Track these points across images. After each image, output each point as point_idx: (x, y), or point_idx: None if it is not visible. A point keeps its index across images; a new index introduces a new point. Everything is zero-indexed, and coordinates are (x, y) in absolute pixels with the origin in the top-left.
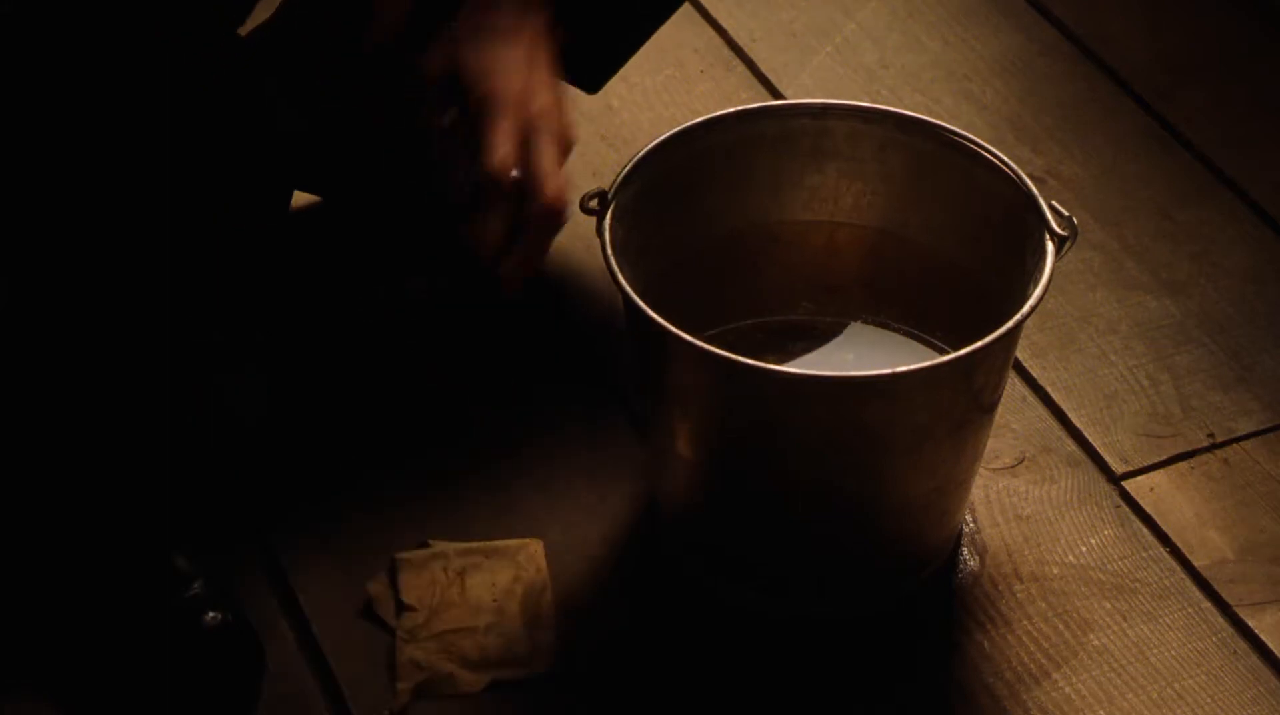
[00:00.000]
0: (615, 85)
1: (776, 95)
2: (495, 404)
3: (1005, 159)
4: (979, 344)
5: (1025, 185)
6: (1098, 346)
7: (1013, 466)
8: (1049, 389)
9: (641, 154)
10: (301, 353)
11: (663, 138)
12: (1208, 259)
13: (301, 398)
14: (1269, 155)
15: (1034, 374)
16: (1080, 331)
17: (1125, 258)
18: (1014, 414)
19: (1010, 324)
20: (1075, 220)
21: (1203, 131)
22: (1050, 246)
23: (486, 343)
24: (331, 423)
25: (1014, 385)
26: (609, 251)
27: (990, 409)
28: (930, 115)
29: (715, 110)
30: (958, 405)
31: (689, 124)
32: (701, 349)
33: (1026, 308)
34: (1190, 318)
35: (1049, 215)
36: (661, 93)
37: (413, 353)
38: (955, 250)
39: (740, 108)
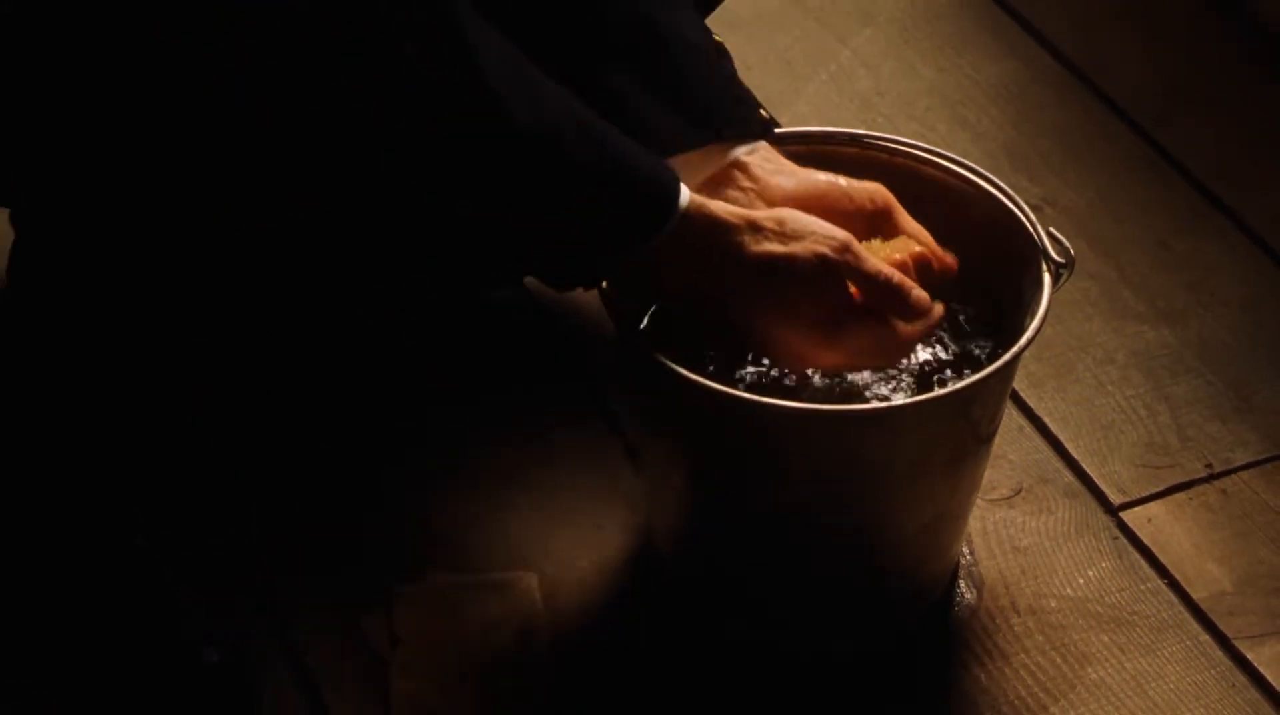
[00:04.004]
0: None
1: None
2: (490, 435)
3: (1003, 186)
4: (976, 377)
5: (1023, 213)
6: (1095, 376)
7: (1010, 497)
8: (1046, 419)
9: None
10: (295, 387)
11: None
12: (1205, 288)
13: (295, 431)
14: (1266, 183)
15: (1031, 404)
16: (1077, 361)
17: (1122, 287)
18: (1011, 444)
19: (1008, 356)
20: (1073, 250)
21: (1200, 159)
22: (1047, 277)
23: (481, 374)
24: (325, 456)
25: (1011, 415)
26: (604, 286)
27: (988, 440)
28: (926, 143)
29: None
30: (955, 437)
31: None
32: (697, 382)
33: (1024, 340)
34: (1188, 348)
35: (1047, 244)
36: None
37: (407, 385)
38: (952, 278)
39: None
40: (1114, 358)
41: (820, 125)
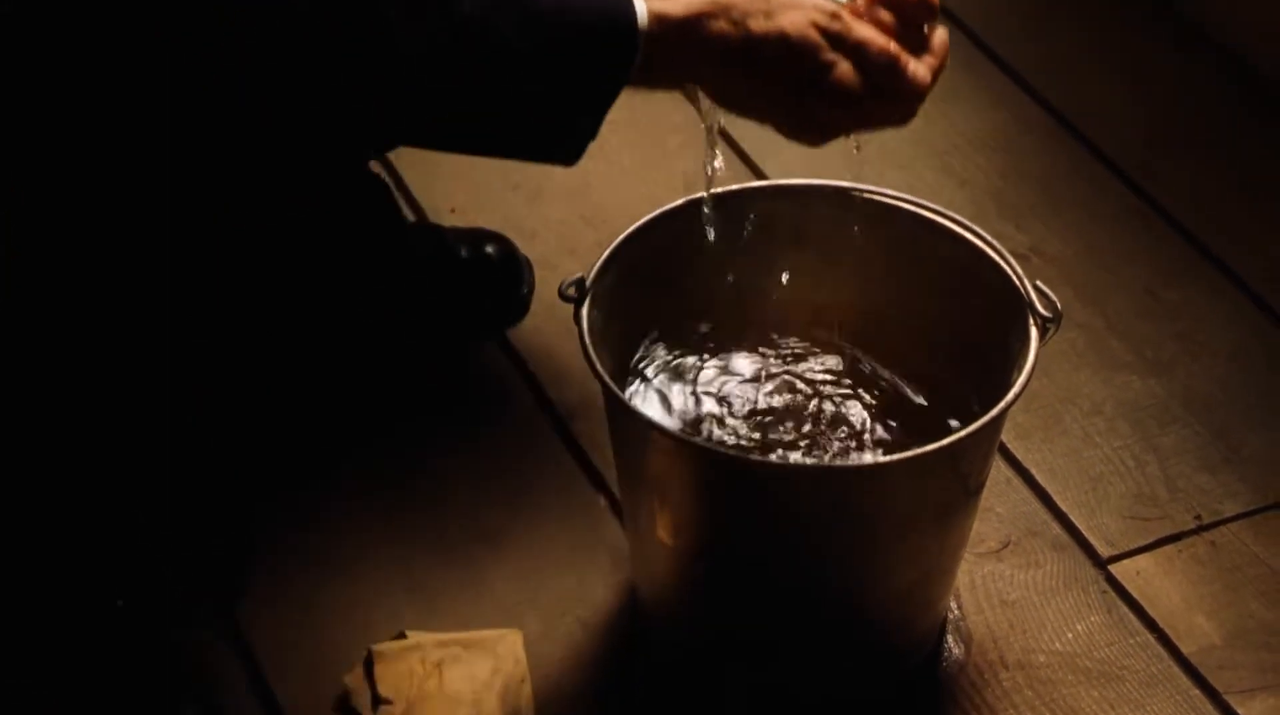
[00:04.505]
0: (593, 163)
1: (757, 172)
2: (473, 491)
3: (990, 239)
4: (963, 432)
5: (1010, 267)
6: (1082, 427)
7: (998, 551)
8: (1034, 471)
9: (620, 239)
10: (278, 440)
11: (641, 222)
12: (1193, 338)
13: (275, 488)
14: (1253, 231)
15: (1018, 456)
16: (1065, 412)
17: (1110, 337)
18: (999, 497)
19: (995, 411)
20: (1059, 303)
21: (1187, 207)
22: (1034, 331)
23: (465, 430)
24: (308, 512)
25: (998, 467)
26: (587, 340)
27: (976, 492)
28: (912, 193)
29: (695, 187)
30: (943, 492)
31: (667, 207)
32: (683, 440)
33: (1011, 395)
34: (1175, 398)
35: (1034, 298)
36: (640, 170)
37: (388, 440)
38: (939, 330)
39: (720, 190)
40: (1102, 408)
41: (806, 176)
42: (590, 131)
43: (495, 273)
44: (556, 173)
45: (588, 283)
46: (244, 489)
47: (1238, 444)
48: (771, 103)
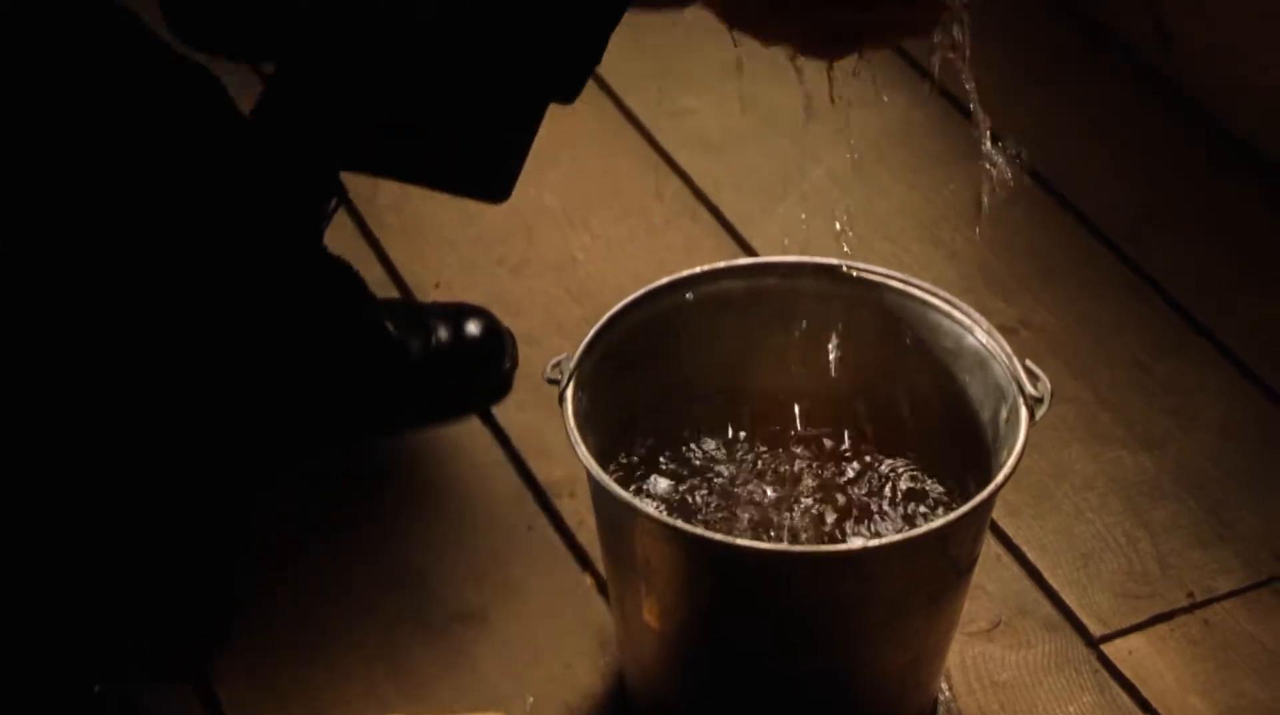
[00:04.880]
0: (578, 237)
1: (743, 244)
2: (455, 568)
3: (979, 317)
4: (953, 516)
5: (1000, 345)
6: (1073, 503)
7: (989, 630)
8: (1024, 548)
9: (604, 320)
10: (253, 519)
11: (625, 302)
12: (1184, 412)
13: (253, 565)
14: (1243, 303)
15: (1009, 533)
16: (1055, 488)
17: (1100, 411)
18: (989, 575)
19: (984, 494)
20: (1050, 384)
21: (1176, 278)
22: (1024, 411)
23: (447, 506)
24: (285, 590)
25: (989, 544)
26: (571, 424)
27: (967, 571)
28: (899, 264)
29: (681, 261)
30: (934, 575)
31: (652, 286)
32: (669, 525)
33: (1001, 477)
34: (1167, 473)
35: (1023, 378)
36: (626, 244)
37: (370, 516)
38: (928, 407)
39: (706, 268)
40: (1093, 484)
41: (792, 246)
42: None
43: (476, 353)
44: (542, 246)
45: (572, 366)
46: (223, 562)
47: (1230, 520)
48: (781, 7)
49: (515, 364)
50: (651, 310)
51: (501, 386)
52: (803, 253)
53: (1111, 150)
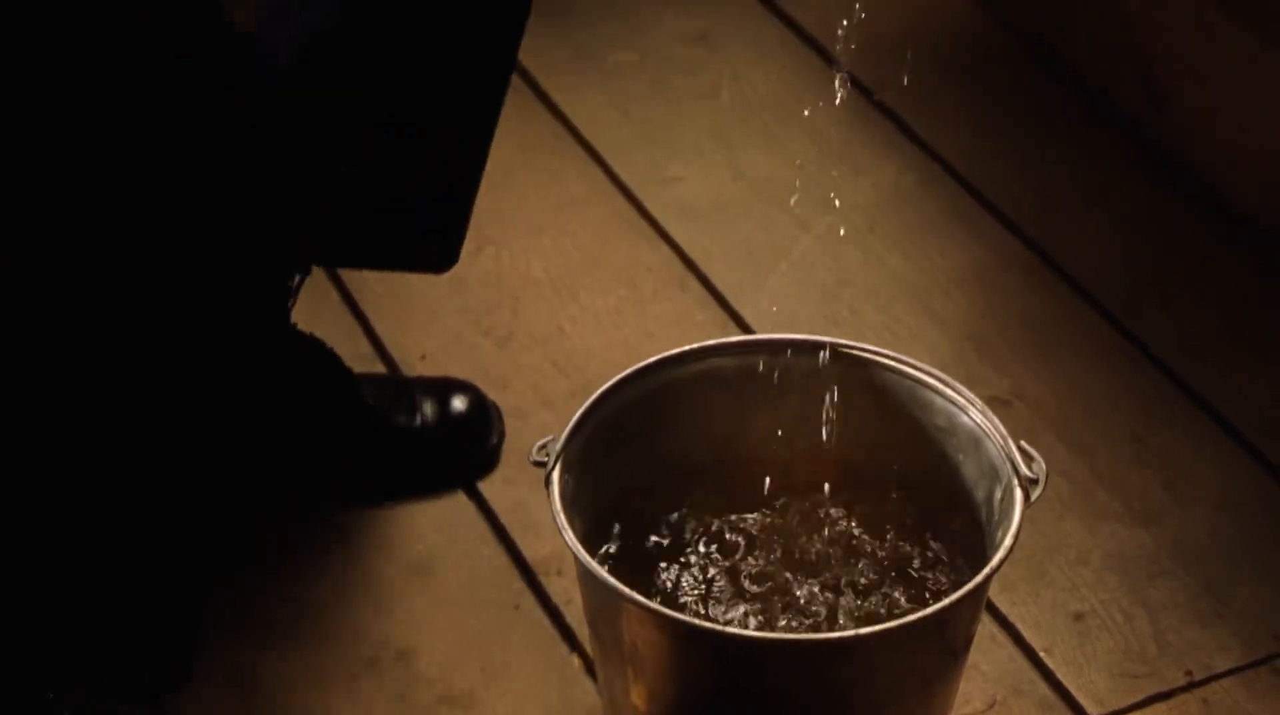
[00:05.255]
0: (565, 307)
1: (733, 315)
2: (440, 649)
3: (973, 397)
4: (946, 601)
5: (994, 425)
6: (1069, 579)
7: (984, 712)
8: (1019, 626)
9: (590, 401)
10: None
11: (612, 381)
12: (1180, 486)
13: (238, 650)
14: (1241, 374)
15: (1004, 610)
16: (1050, 563)
17: (1095, 485)
18: (983, 654)
19: (979, 578)
20: (1045, 466)
21: (1173, 349)
22: (1019, 492)
23: (432, 583)
24: (263, 672)
25: (983, 622)
26: (557, 507)
27: (963, 652)
28: (890, 334)
29: (670, 332)
30: (928, 660)
31: (639, 365)
32: (655, 611)
33: (995, 560)
34: (1164, 549)
35: (1018, 459)
36: (614, 315)
37: (353, 593)
38: (921, 487)
39: (694, 346)
40: (1088, 559)
41: (784, 317)
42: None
43: (463, 428)
44: (529, 317)
45: (558, 448)
46: (190, 590)
47: (1228, 597)
48: None
49: (502, 438)
50: (639, 389)
51: (488, 461)
52: (793, 323)
53: (1107, 217)
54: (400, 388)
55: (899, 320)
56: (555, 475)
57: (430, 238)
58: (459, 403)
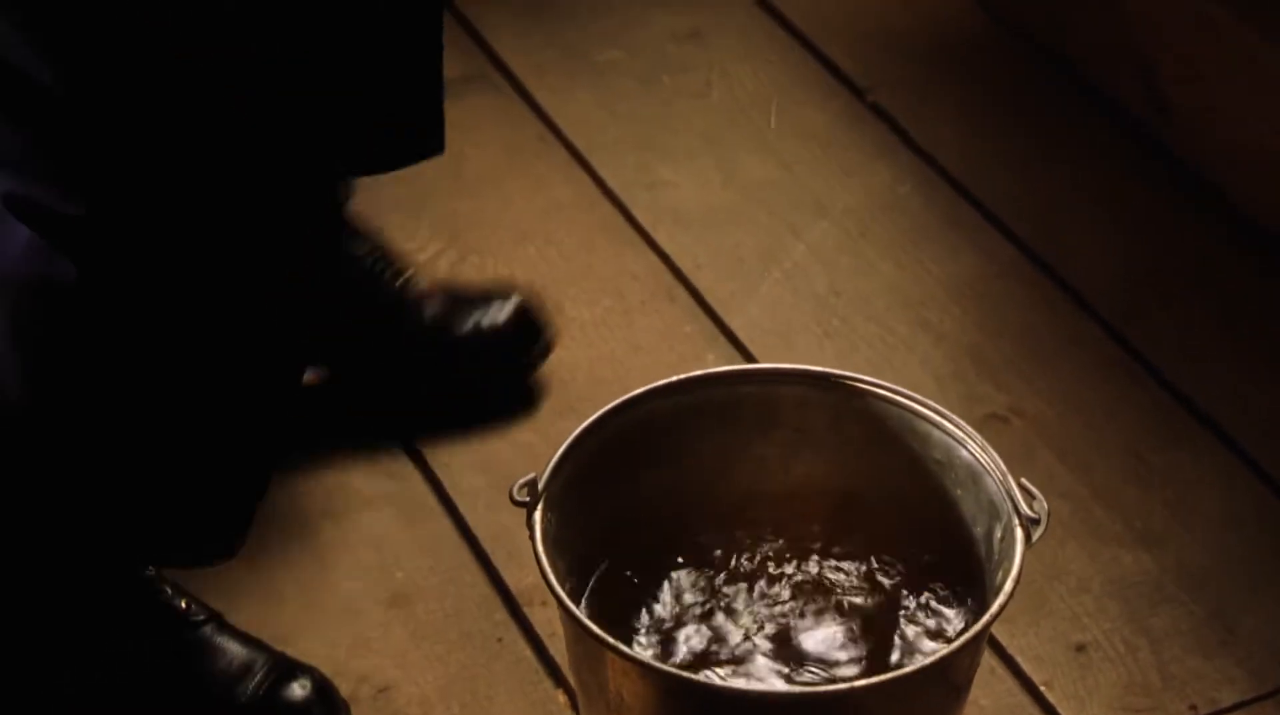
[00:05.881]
0: (551, 319)
1: (722, 327)
2: (423, 684)
3: (972, 432)
4: (945, 652)
5: (994, 461)
6: (1069, 607)
7: None
8: (1019, 658)
9: (573, 436)
10: None
11: (596, 416)
12: (1183, 505)
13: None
14: (1245, 387)
15: (1003, 642)
16: (1050, 591)
17: (1095, 506)
18: (983, 688)
19: (979, 626)
20: (1046, 504)
21: (1172, 359)
22: (1020, 532)
23: (414, 617)
24: None
25: (983, 656)
26: (540, 548)
27: (965, 689)
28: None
29: (657, 346)
30: (927, 708)
31: (624, 398)
32: (642, 663)
33: (996, 607)
34: (1167, 573)
35: (1019, 498)
36: (600, 327)
37: (336, 627)
38: (918, 522)
39: (682, 376)
40: (1089, 586)
41: (774, 327)
42: None
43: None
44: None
45: (540, 485)
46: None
47: (1233, 624)
48: None
49: (550, 347)
50: (623, 423)
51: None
52: (784, 335)
53: (1106, 222)
54: (454, 299)
55: (892, 331)
56: (538, 515)
57: None
58: (508, 309)
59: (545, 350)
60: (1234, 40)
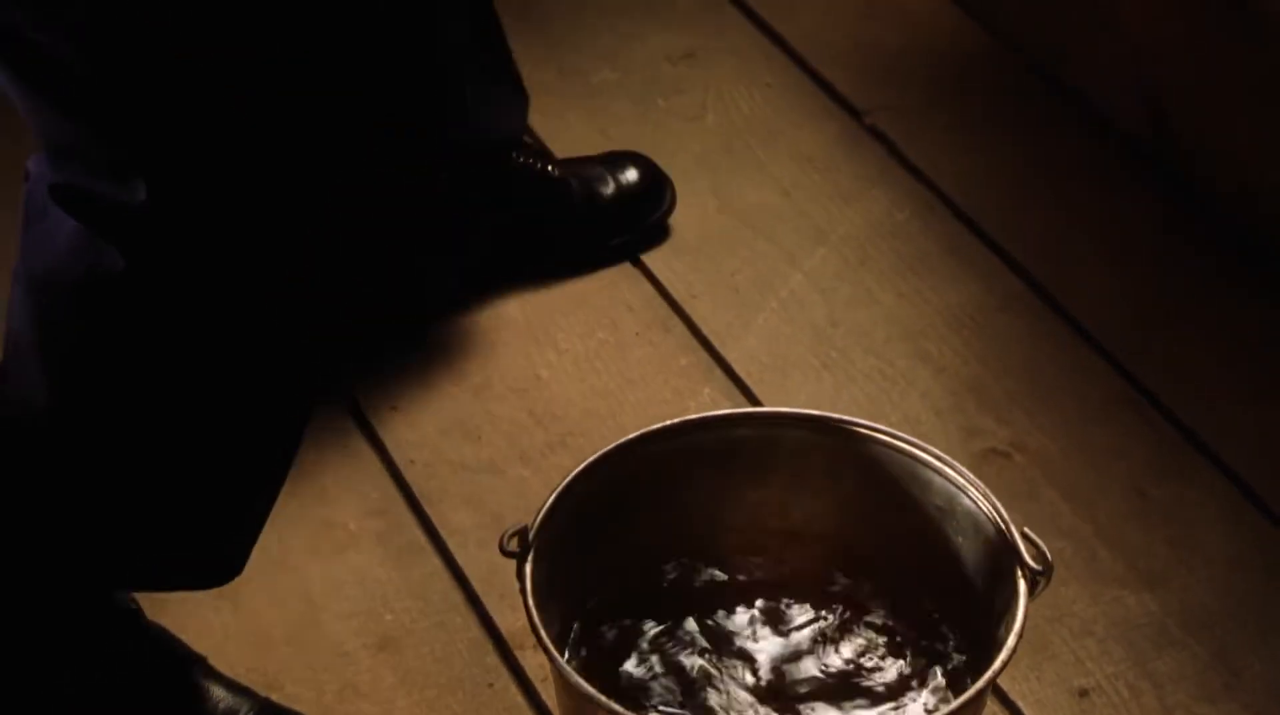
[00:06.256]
0: (543, 352)
1: (718, 359)
2: None
3: (974, 480)
4: (948, 709)
5: (997, 511)
6: (1072, 651)
7: None
8: (1022, 705)
9: (565, 483)
10: None
11: (588, 461)
12: (1187, 544)
13: None
14: (1249, 421)
15: (1005, 688)
16: (1053, 634)
17: (1098, 545)
18: None
19: (980, 684)
20: (1050, 555)
21: (1178, 393)
22: (1023, 583)
23: (406, 657)
24: None
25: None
26: (530, 602)
27: None
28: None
29: (652, 379)
30: None
31: (618, 443)
32: None
33: (998, 664)
34: (1171, 615)
35: (1022, 549)
36: (594, 359)
37: (325, 672)
38: (917, 570)
39: (676, 421)
40: (1092, 629)
41: (771, 359)
42: None
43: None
44: (503, 363)
45: (530, 535)
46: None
47: (1239, 667)
48: None
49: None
50: (616, 468)
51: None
52: (781, 367)
53: (1109, 252)
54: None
55: (892, 363)
56: (528, 567)
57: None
58: (631, 174)
59: (674, 196)
60: (1237, 64)
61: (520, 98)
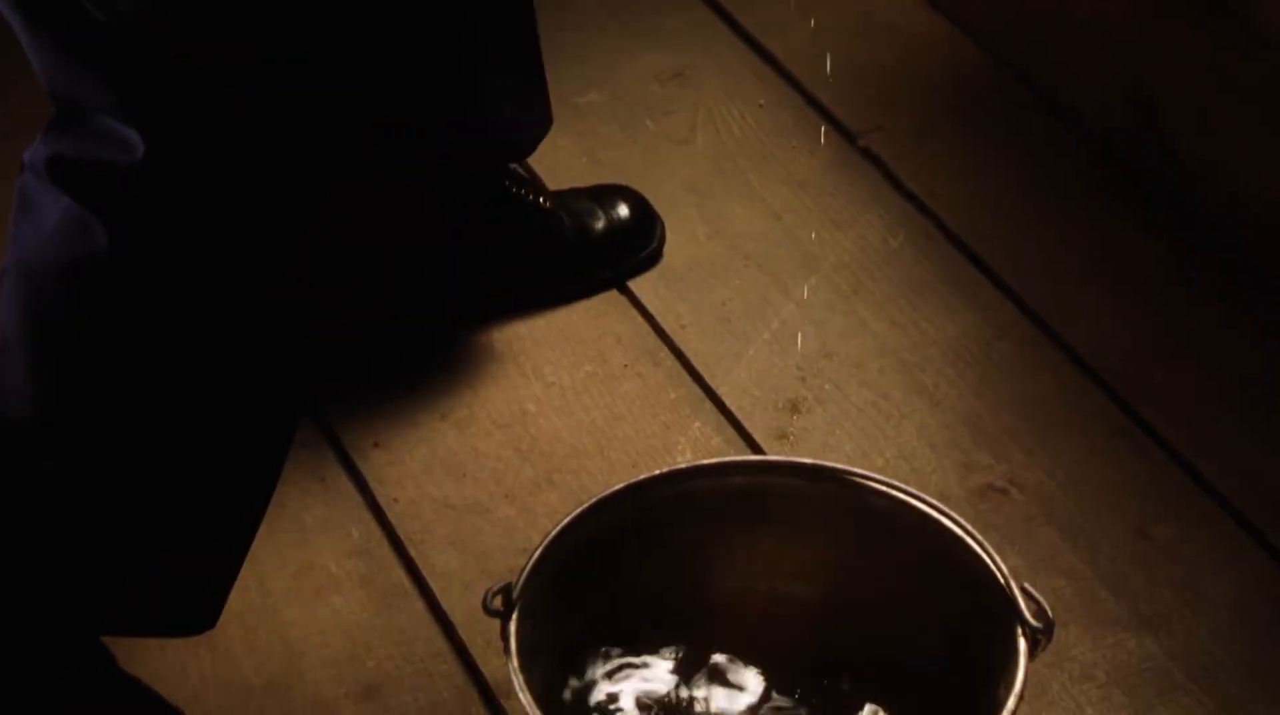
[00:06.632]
0: (530, 386)
1: (708, 392)
2: None
3: (972, 530)
4: None
5: (997, 565)
6: (1073, 698)
7: None
8: None
9: (550, 536)
10: None
11: (574, 514)
12: (1191, 587)
13: None
14: (1254, 457)
15: None
16: (1053, 679)
17: (1099, 587)
18: None
19: None
20: (1051, 612)
21: (1180, 428)
22: (1023, 642)
23: (388, 707)
24: None
25: None
26: (515, 663)
27: None
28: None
29: (640, 414)
30: None
31: (605, 494)
32: None
33: None
34: (1175, 660)
35: (1022, 606)
36: (581, 393)
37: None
38: (912, 622)
39: (667, 470)
40: (1093, 674)
41: (762, 394)
42: None
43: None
44: (488, 397)
45: (515, 592)
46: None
47: None
48: None
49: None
50: (603, 519)
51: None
52: (773, 400)
53: (1109, 282)
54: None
55: (886, 396)
56: (512, 626)
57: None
58: (623, 209)
59: (663, 233)
60: (1236, 82)
61: (542, 106)
